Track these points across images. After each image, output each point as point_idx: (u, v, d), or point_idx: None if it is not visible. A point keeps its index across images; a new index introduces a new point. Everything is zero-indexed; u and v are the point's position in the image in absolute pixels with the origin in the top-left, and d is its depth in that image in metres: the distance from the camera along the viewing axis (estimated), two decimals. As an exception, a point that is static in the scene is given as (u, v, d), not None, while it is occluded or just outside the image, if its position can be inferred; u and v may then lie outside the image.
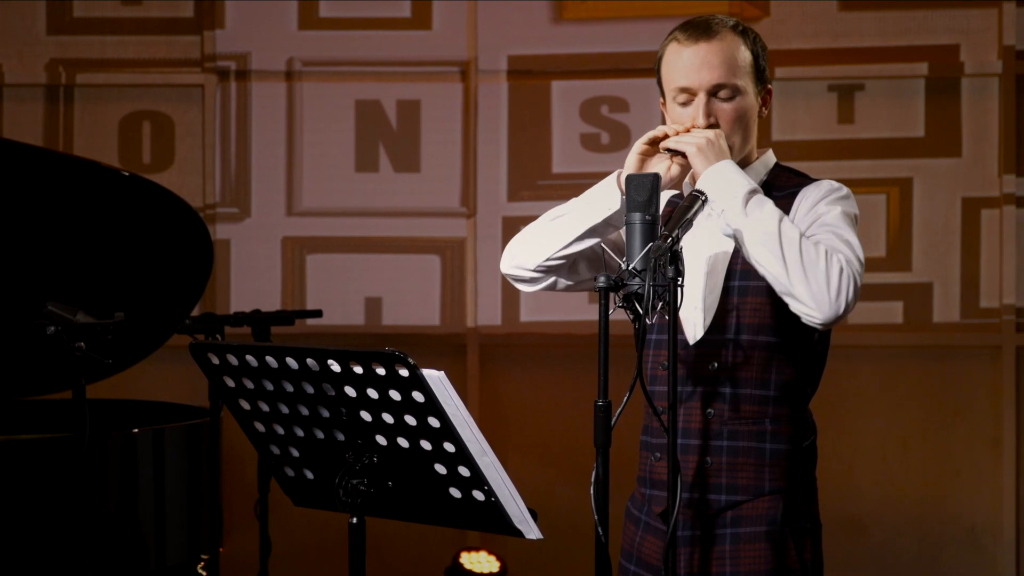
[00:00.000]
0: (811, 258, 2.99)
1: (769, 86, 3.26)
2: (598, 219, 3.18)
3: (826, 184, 3.21)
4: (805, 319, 3.02)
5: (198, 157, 6.21)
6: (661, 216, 2.96)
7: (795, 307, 3.02)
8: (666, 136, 3.15)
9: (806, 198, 3.18)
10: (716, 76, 3.16)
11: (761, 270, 3.03)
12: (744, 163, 3.22)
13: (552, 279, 3.30)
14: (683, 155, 3.11)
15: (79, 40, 6.21)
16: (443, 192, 6.20)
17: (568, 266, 3.27)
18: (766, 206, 3.04)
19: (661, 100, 3.27)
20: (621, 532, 3.33)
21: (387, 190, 6.20)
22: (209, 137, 6.19)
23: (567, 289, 3.34)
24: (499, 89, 6.18)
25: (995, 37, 6.00)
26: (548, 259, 3.25)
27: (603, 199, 3.19)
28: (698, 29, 3.19)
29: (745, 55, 3.19)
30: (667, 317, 2.86)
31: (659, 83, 3.25)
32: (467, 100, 6.17)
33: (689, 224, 2.92)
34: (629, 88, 6.10)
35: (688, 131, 3.14)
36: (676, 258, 2.81)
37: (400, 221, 6.20)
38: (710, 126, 3.16)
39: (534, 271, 3.29)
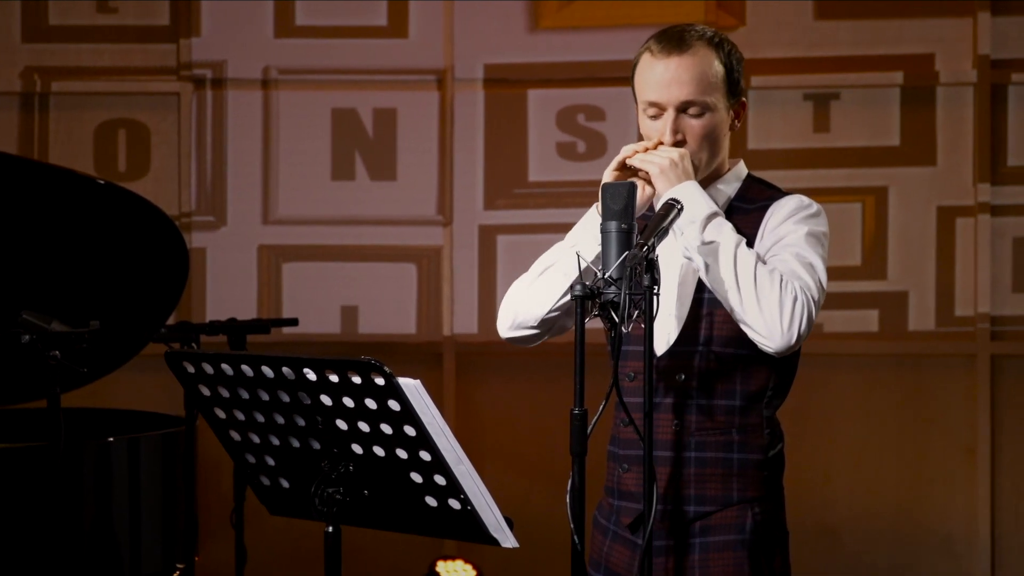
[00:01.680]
0: (765, 286, 2.99)
1: (743, 99, 3.24)
2: (590, 258, 3.17)
3: (795, 200, 3.19)
4: (759, 346, 3.03)
5: (174, 165, 6.20)
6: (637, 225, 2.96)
7: (749, 334, 3.03)
8: (634, 153, 3.14)
9: (775, 214, 3.17)
10: (685, 93, 3.14)
11: (717, 296, 3.04)
12: (716, 175, 3.22)
13: (553, 329, 3.29)
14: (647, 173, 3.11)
15: (54, 48, 6.19)
16: (419, 200, 6.20)
17: (568, 314, 3.23)
18: (724, 230, 3.04)
19: (635, 108, 3.26)
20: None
21: (363, 198, 6.20)
22: (185, 145, 6.18)
23: (563, 330, 3.31)
24: (475, 97, 6.18)
25: (970, 46, 6.02)
26: (549, 312, 3.23)
27: (591, 236, 3.16)
28: (671, 42, 3.17)
29: (717, 69, 3.16)
30: (643, 326, 2.86)
31: (633, 92, 3.25)
32: (443, 108, 6.17)
33: (665, 233, 2.93)
34: (605, 97, 6.10)
35: (656, 147, 3.13)
36: (652, 266, 2.82)
37: (376, 229, 6.20)
38: (677, 143, 3.15)
39: (535, 327, 3.26)
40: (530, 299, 3.25)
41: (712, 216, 3.04)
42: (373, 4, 6.20)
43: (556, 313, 3.23)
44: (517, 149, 6.17)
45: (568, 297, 3.18)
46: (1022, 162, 6.05)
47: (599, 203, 3.13)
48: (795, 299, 2.99)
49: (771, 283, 2.99)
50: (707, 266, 3.03)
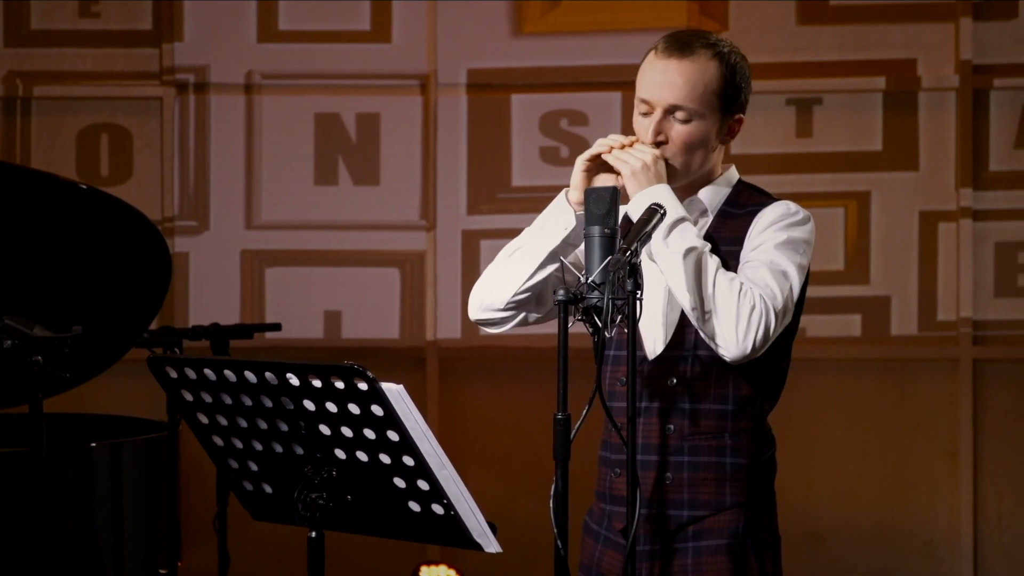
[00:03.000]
0: (723, 295, 3.00)
1: (740, 115, 3.24)
2: (556, 241, 3.18)
3: (783, 207, 3.19)
4: (718, 352, 3.03)
5: (156, 170, 6.19)
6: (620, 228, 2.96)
7: (706, 340, 3.03)
8: (610, 149, 3.15)
9: (761, 219, 3.17)
10: (675, 97, 3.14)
11: (677, 299, 3.05)
12: (706, 179, 3.22)
13: (522, 314, 3.27)
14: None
15: (36, 52, 6.18)
16: (402, 205, 6.20)
17: (536, 298, 3.25)
18: (687, 235, 3.04)
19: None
20: (579, 546, 3.33)
21: (346, 203, 6.19)
22: (168, 150, 6.18)
23: (537, 322, 3.32)
24: (459, 102, 6.18)
25: (952, 52, 6.03)
26: (516, 294, 3.23)
27: (557, 220, 3.19)
28: (676, 45, 3.17)
29: (715, 80, 3.16)
30: (626, 331, 2.86)
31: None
32: (427, 113, 6.17)
33: (648, 237, 2.93)
34: (588, 102, 6.10)
35: (631, 145, 3.14)
36: (635, 271, 2.82)
37: (359, 234, 6.20)
38: (658, 143, 3.15)
39: (503, 310, 3.26)
40: (497, 281, 3.26)
41: (678, 222, 3.04)
42: (356, 9, 6.20)
43: (523, 296, 3.23)
44: (500, 154, 6.17)
45: (535, 280, 3.21)
46: (1004, 167, 6.06)
47: (567, 190, 3.15)
48: (752, 308, 2.99)
49: (729, 291, 2.99)
50: (667, 272, 3.03)
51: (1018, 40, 6.05)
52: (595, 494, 3.32)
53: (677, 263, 3.01)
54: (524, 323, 3.30)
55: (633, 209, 3.04)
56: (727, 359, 3.03)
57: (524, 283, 3.22)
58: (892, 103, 6.07)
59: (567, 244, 3.18)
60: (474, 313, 3.31)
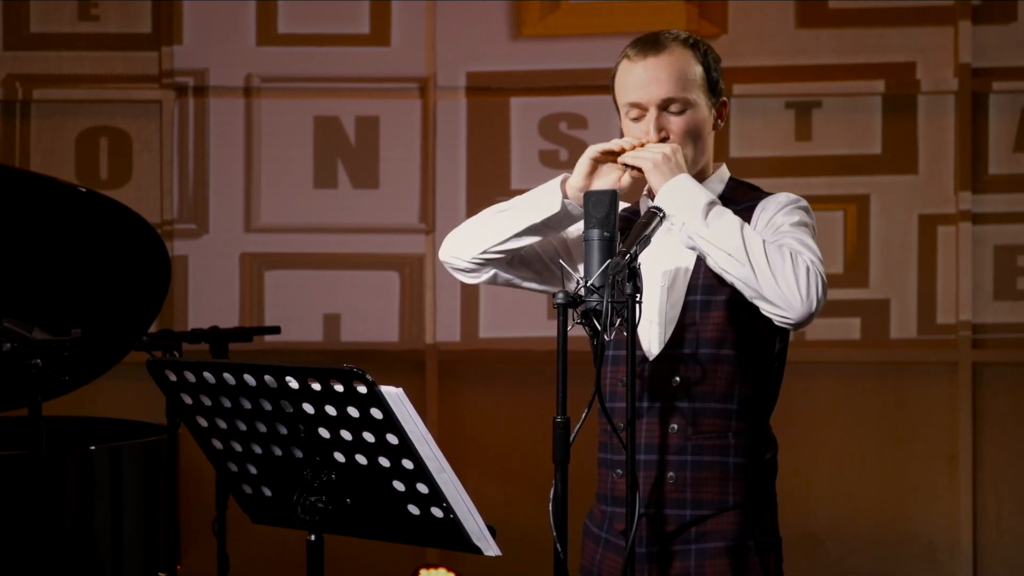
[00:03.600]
0: (777, 260, 3.01)
1: (724, 99, 3.28)
2: (537, 219, 3.22)
3: (784, 196, 3.24)
4: (778, 321, 3.04)
5: (156, 173, 6.19)
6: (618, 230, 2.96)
7: (767, 309, 3.04)
8: (623, 150, 3.16)
9: (765, 210, 3.20)
10: (665, 90, 3.18)
11: (728, 278, 3.05)
12: (700, 177, 3.24)
13: (491, 272, 3.34)
14: (639, 169, 3.13)
15: (36, 56, 6.18)
16: (402, 208, 6.20)
17: (506, 261, 3.30)
18: (726, 215, 3.06)
19: (619, 116, 3.28)
20: (579, 550, 3.33)
21: (346, 206, 6.20)
22: (167, 153, 6.17)
23: (505, 284, 3.37)
24: (458, 105, 6.18)
25: (951, 55, 6.04)
26: (484, 252, 3.29)
27: (544, 201, 3.23)
28: (647, 44, 3.21)
29: (696, 68, 3.21)
30: (625, 333, 2.86)
31: (614, 100, 3.27)
32: (426, 116, 6.17)
33: (647, 241, 2.93)
34: (587, 105, 6.11)
35: (643, 146, 3.15)
36: (634, 274, 2.82)
37: (359, 237, 6.20)
38: (663, 140, 3.18)
39: (470, 261, 3.32)
40: (472, 234, 3.33)
41: (712, 204, 3.06)
42: (355, 12, 6.20)
43: (492, 255, 3.30)
44: (499, 157, 6.17)
45: (507, 245, 3.27)
46: (1003, 170, 6.06)
47: (567, 173, 3.17)
48: (807, 269, 3.02)
49: (782, 257, 3.01)
50: (715, 251, 3.04)
51: (1017, 43, 6.05)
52: (596, 496, 3.32)
53: (723, 241, 3.02)
54: (493, 280, 3.37)
55: (662, 200, 3.04)
56: (790, 322, 3.03)
57: (495, 245, 3.28)
58: (891, 106, 6.07)
59: (546, 226, 3.24)
60: (443, 254, 3.38)
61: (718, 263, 3.05)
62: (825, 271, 3.08)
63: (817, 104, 6.11)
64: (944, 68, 6.05)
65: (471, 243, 3.31)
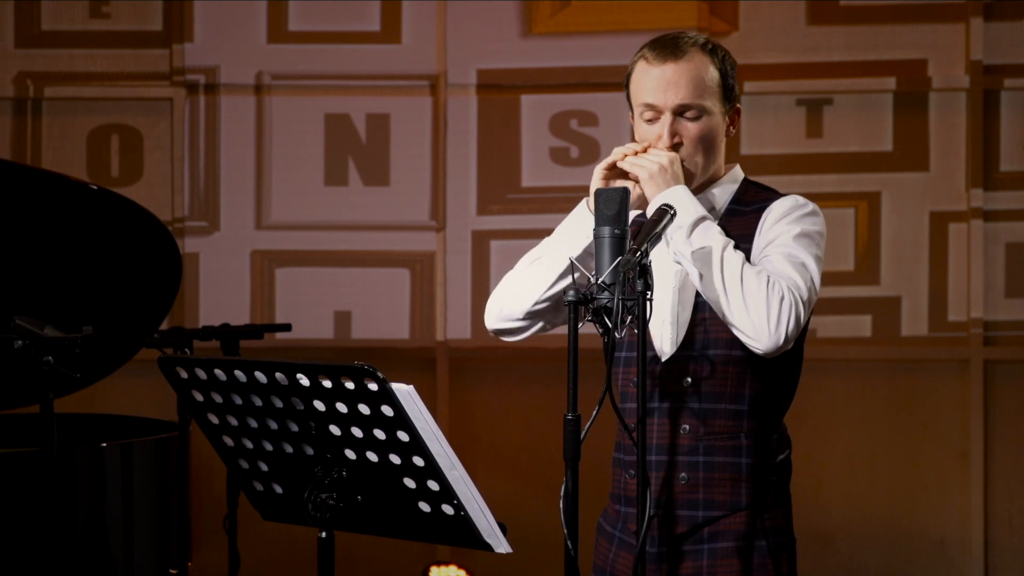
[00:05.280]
0: (751, 288, 3.00)
1: (738, 105, 3.27)
2: (577, 251, 3.17)
3: (790, 201, 3.20)
4: (748, 346, 3.04)
5: (167, 170, 6.20)
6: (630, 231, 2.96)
7: (738, 335, 3.04)
8: (624, 157, 3.15)
9: (771, 213, 3.19)
10: (682, 96, 3.16)
11: (706, 298, 3.05)
12: (712, 179, 3.23)
13: (540, 324, 3.28)
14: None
15: (47, 53, 6.19)
16: (412, 206, 6.20)
17: (554, 307, 3.24)
18: (711, 233, 3.04)
19: (630, 115, 3.28)
20: (592, 547, 3.33)
21: (356, 204, 6.20)
22: (178, 150, 6.18)
23: (552, 329, 3.32)
24: (468, 103, 6.18)
25: (962, 52, 6.03)
26: (535, 304, 3.23)
27: (578, 230, 3.18)
28: (666, 48, 3.19)
29: (713, 75, 3.19)
30: (636, 331, 2.86)
31: (628, 98, 3.27)
32: (436, 114, 6.17)
33: (658, 238, 2.93)
34: (598, 102, 6.10)
35: (645, 151, 3.14)
36: (645, 272, 2.82)
37: (369, 235, 6.20)
38: (674, 146, 3.17)
39: (521, 319, 3.26)
40: (517, 291, 3.26)
41: (700, 220, 3.05)
42: (366, 10, 6.20)
43: (543, 305, 3.24)
44: (510, 154, 6.17)
45: (555, 289, 3.20)
46: (1014, 167, 6.05)
47: (588, 198, 3.15)
48: (782, 299, 3.00)
49: (758, 284, 3.00)
50: (693, 271, 3.04)
51: (1029, 40, 6.05)
52: (609, 496, 3.32)
53: (703, 260, 3.02)
54: (541, 331, 3.31)
55: (653, 211, 3.04)
56: (759, 352, 3.03)
57: (544, 293, 3.22)
58: (902, 103, 6.07)
59: (588, 254, 3.15)
60: (492, 323, 3.31)
61: (695, 282, 3.05)
62: (810, 295, 3.04)
63: (828, 101, 6.10)
64: (956, 65, 6.04)
65: (519, 300, 3.25)
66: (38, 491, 4.13)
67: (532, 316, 3.26)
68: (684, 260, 3.05)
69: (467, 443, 6.07)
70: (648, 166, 3.10)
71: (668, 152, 3.14)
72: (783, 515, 3.22)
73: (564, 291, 2.87)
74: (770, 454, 3.19)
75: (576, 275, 3.12)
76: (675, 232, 3.03)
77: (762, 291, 2.99)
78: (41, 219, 4.60)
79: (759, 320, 2.99)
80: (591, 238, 3.10)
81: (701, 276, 3.03)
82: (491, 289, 6.05)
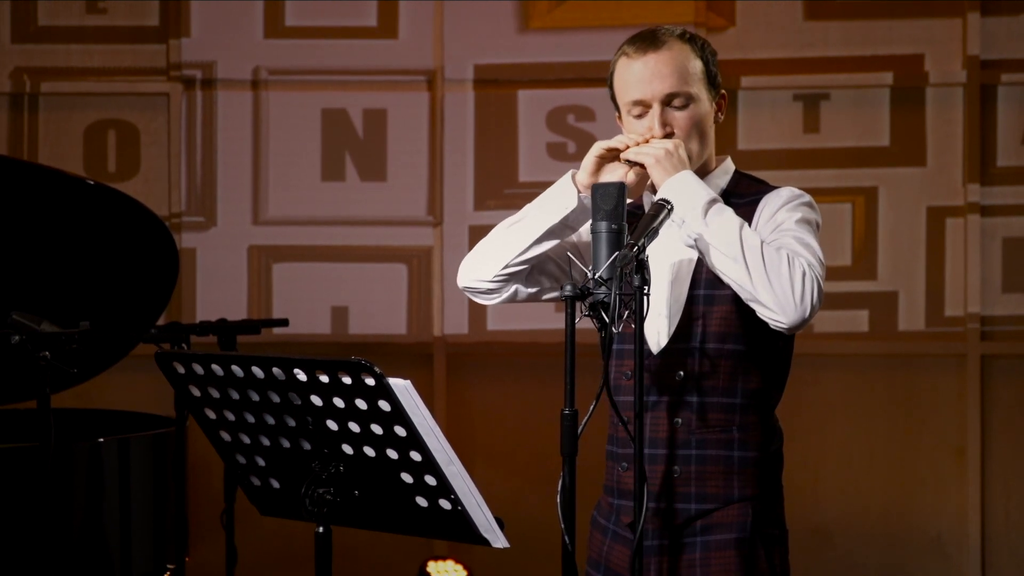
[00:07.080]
0: (773, 263, 3.00)
1: (723, 92, 3.28)
2: (555, 220, 3.19)
3: (787, 191, 3.22)
4: (772, 324, 3.04)
5: (164, 166, 6.20)
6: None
7: (761, 312, 3.03)
8: (626, 147, 3.15)
9: (768, 205, 3.20)
10: (668, 85, 3.17)
11: (725, 278, 3.05)
12: (704, 171, 3.24)
13: (512, 288, 3.29)
14: (642, 166, 3.12)
15: (44, 48, 6.19)
16: (409, 201, 6.20)
17: (527, 273, 3.27)
18: (726, 214, 3.05)
19: (616, 114, 3.28)
20: (587, 541, 3.33)
21: (353, 199, 6.20)
22: (175, 146, 6.18)
23: (527, 299, 3.34)
24: (465, 98, 6.18)
25: (959, 47, 6.03)
26: (507, 266, 3.25)
27: (559, 200, 3.20)
28: (645, 41, 3.21)
29: (695, 63, 3.20)
30: (633, 326, 2.86)
31: (612, 98, 3.27)
32: (433, 109, 6.17)
33: (655, 233, 2.93)
34: (595, 97, 6.10)
35: (647, 142, 3.15)
36: (642, 267, 2.82)
37: (366, 230, 6.20)
38: (667, 135, 3.17)
39: (492, 280, 3.28)
40: (492, 251, 3.27)
41: (713, 202, 3.06)
42: (363, 5, 6.20)
43: (515, 269, 3.25)
44: (507, 149, 6.17)
45: (529, 254, 3.22)
46: (1012, 162, 6.06)
47: (574, 170, 3.16)
48: (804, 273, 3.01)
49: (779, 259, 3.01)
50: (712, 251, 3.04)
51: (1026, 35, 6.06)
52: (603, 488, 3.32)
53: (720, 241, 3.02)
54: (512, 298, 3.32)
55: (664, 196, 3.04)
56: (784, 326, 3.03)
57: (517, 256, 3.24)
58: (899, 99, 6.07)
59: (566, 225, 3.19)
60: (463, 280, 3.32)
61: (714, 263, 3.05)
62: (824, 273, 3.07)
63: (825, 96, 6.10)
64: (952, 60, 6.04)
65: (491, 261, 3.27)
66: (35, 487, 4.13)
67: (503, 279, 3.27)
68: (700, 241, 3.05)
69: (464, 438, 6.07)
70: (654, 152, 3.11)
71: (671, 139, 3.15)
72: (775, 507, 3.23)
73: (561, 286, 2.88)
74: (762, 447, 3.20)
75: (551, 246, 3.15)
76: (688, 214, 3.04)
77: (784, 266, 3.00)
78: (38, 214, 4.60)
79: (784, 294, 3.00)
80: (569, 210, 3.13)
81: (717, 256, 3.03)
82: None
